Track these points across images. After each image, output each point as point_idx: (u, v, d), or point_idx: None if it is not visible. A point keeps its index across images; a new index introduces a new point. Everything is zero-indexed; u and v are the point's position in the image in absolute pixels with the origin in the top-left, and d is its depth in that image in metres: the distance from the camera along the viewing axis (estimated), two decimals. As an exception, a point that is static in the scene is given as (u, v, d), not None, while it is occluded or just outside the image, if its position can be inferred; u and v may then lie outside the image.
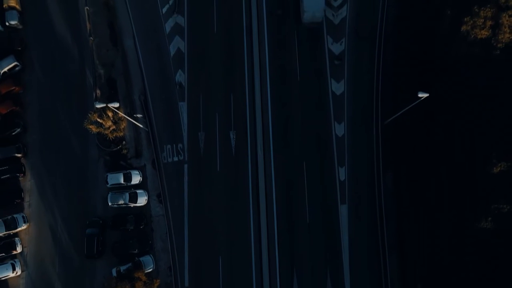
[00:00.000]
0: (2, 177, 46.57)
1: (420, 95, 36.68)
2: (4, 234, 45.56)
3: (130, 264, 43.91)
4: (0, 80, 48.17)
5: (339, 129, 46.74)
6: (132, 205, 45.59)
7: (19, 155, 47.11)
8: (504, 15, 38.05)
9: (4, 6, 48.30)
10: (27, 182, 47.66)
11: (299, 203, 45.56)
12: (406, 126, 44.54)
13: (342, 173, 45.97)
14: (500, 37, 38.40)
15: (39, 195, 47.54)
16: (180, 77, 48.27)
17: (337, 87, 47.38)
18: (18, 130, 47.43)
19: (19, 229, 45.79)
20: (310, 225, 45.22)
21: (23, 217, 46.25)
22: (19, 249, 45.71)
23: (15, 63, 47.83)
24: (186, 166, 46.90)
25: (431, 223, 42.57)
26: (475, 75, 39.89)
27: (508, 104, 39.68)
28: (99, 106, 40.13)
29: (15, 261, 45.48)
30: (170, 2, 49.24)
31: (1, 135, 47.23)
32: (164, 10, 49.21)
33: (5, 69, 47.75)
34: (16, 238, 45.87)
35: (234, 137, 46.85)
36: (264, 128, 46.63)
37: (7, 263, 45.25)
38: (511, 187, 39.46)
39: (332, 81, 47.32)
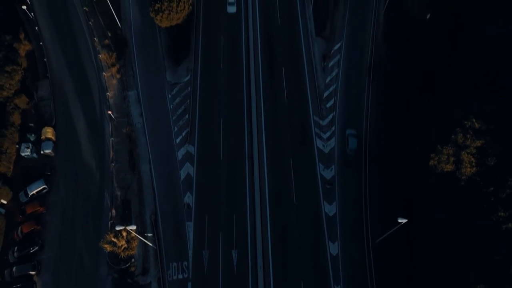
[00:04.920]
0: (14, 294, 45.21)
1: (399, 220, 37.72)
2: None
3: None
4: (28, 201, 49.64)
5: (333, 248, 46.67)
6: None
7: (33, 272, 46.26)
8: (463, 152, 40.68)
9: (42, 137, 52.19)
10: (37, 299, 46.31)
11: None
12: (395, 245, 44.52)
13: (338, 292, 44.90)
14: (463, 171, 40.42)
15: (47, 313, 45.64)
16: (189, 199, 49.81)
17: (330, 209, 48.60)
18: (36, 248, 47.43)
19: None
20: None
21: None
22: None
23: (44, 186, 49.96)
24: (190, 284, 45.74)
25: None
26: (445, 203, 40.94)
27: (472, 232, 39.90)
28: (118, 228, 40.67)
29: None
30: (183, 134, 53.33)
31: (20, 253, 46.93)
32: (178, 140, 52.98)
33: (34, 192, 49.66)
34: None
35: (236, 255, 46.60)
36: (264, 248, 46.63)
37: None
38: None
39: (324, 203, 48.73)
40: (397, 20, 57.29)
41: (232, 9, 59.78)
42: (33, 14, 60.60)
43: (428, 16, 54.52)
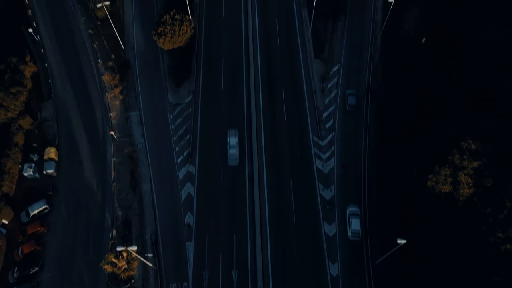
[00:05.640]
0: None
1: (399, 241, 37.90)
2: None
3: None
4: (29, 221, 49.96)
5: (333, 269, 46.58)
6: None
7: (32, 293, 46.57)
8: (461, 173, 40.96)
9: (44, 158, 52.83)
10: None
11: None
12: (395, 266, 44.64)
13: (339, 314, 44.59)
14: (461, 192, 40.64)
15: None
16: (189, 219, 50.03)
17: (330, 229, 48.73)
18: (36, 268, 47.43)
19: None
20: None
21: None
22: None
23: (45, 206, 50.33)
24: (190, 305, 45.71)
25: None
26: (444, 224, 41.11)
27: (472, 253, 39.91)
28: (119, 249, 40.73)
29: None
30: (184, 154, 53.95)
31: (20, 274, 46.88)
32: (179, 160, 53.57)
33: (35, 212, 49.96)
34: None
35: (236, 276, 46.49)
36: (264, 268, 46.59)
37: None
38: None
39: (324, 224, 48.90)
40: (394, 43, 58.93)
41: None
42: (39, 36, 62.30)
43: (423, 40, 55.98)
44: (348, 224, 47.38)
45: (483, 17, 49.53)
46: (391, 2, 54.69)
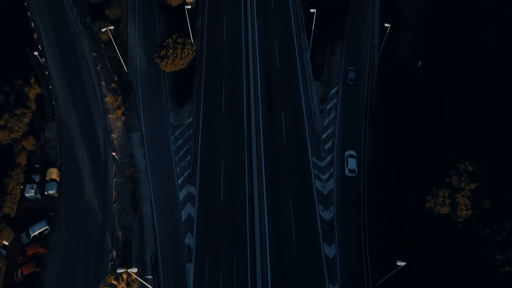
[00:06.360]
0: None
1: (398, 263, 38.06)
2: None
3: None
4: (29, 242, 49.96)
5: (334, 291, 46.65)
6: None
7: (30, 316, 45.95)
8: (459, 195, 41.49)
9: (46, 178, 53.30)
10: None
11: None
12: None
13: (339, 337, 44.14)
14: (459, 213, 41.14)
15: None
16: (189, 240, 50.12)
17: (330, 250, 48.80)
18: (36, 291, 47.47)
19: None
20: None
21: None
22: None
23: (46, 227, 50.47)
24: (189, 327, 45.28)
25: None
26: (443, 245, 41.40)
27: (471, 275, 39.96)
28: (120, 271, 40.66)
29: None
30: (185, 175, 54.42)
31: (19, 296, 46.85)
32: (179, 181, 54.01)
33: (36, 233, 50.03)
34: None
35: (236, 299, 46.34)
36: (264, 291, 46.89)
37: None
38: None
39: (324, 245, 49.01)
40: (391, 66, 60.36)
41: None
42: (44, 59, 63.78)
43: (419, 63, 57.28)
44: (346, 164, 53.15)
45: (478, 42, 51.11)
46: (388, 27, 56.49)
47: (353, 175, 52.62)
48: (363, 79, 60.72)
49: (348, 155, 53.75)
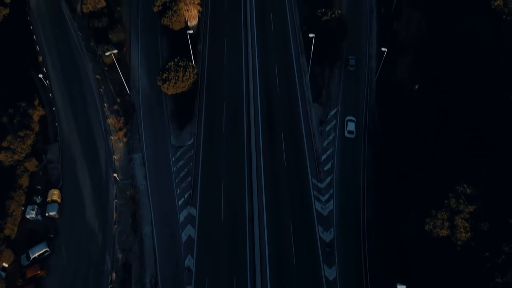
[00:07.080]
0: None
1: (398, 287, 38.14)
2: None
3: None
4: (29, 264, 49.76)
5: (335, 314, 46.14)
6: None
7: None
8: (457, 218, 41.66)
9: (47, 200, 53.61)
10: None
11: None
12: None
13: None
14: (458, 236, 41.18)
15: None
16: (189, 261, 50.01)
17: (330, 273, 48.64)
18: (34, 314, 46.88)
19: None
20: None
21: None
22: None
23: (46, 249, 50.41)
24: None
25: None
26: (443, 268, 41.33)
27: None
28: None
29: None
30: (185, 196, 54.71)
31: (17, 320, 46.45)
32: (180, 202, 54.33)
33: (36, 255, 50.01)
34: None
35: (236, 322, 45.91)
36: (264, 314, 46.29)
37: None
38: None
39: (324, 267, 48.87)
40: (389, 88, 61.49)
41: None
42: (48, 81, 65.03)
43: (416, 87, 58.42)
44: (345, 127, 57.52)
45: (474, 65, 52.24)
46: (384, 51, 57.88)
47: None
48: (362, 101, 61.55)
49: None
